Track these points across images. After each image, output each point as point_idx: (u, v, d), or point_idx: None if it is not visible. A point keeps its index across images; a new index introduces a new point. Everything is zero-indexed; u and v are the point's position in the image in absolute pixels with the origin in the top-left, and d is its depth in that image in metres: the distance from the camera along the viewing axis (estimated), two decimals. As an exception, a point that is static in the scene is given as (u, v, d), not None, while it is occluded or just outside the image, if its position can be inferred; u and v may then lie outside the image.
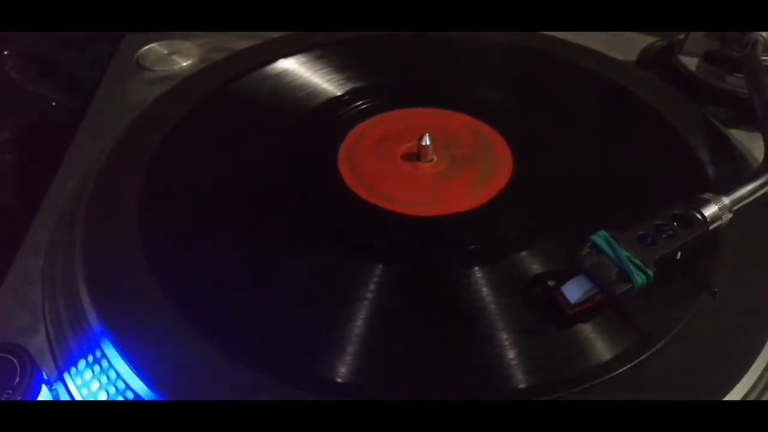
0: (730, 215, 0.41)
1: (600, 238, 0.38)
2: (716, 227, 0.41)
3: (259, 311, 0.41)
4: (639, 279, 0.37)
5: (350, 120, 0.55)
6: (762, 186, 0.43)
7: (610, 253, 0.38)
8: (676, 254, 0.40)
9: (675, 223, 0.40)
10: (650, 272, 0.37)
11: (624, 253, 0.38)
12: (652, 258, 0.38)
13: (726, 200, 0.41)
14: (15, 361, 0.34)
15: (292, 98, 0.58)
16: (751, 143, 0.54)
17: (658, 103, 0.56)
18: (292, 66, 0.61)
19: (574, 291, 0.38)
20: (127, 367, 0.37)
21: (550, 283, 0.40)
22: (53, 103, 0.67)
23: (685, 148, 0.52)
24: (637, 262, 0.37)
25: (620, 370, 0.37)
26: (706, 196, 0.41)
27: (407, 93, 0.58)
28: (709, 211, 0.41)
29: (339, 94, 0.58)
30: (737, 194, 0.42)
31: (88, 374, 0.39)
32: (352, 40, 0.63)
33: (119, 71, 0.65)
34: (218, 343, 0.38)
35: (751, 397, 0.37)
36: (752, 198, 0.42)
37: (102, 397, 0.38)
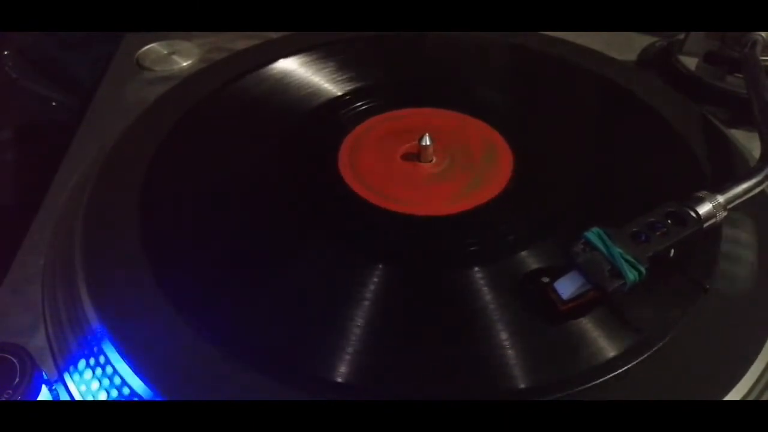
0: (724, 213, 0.41)
1: (593, 234, 0.38)
2: (710, 225, 0.41)
3: (259, 311, 0.41)
4: (631, 275, 0.37)
5: (350, 120, 0.55)
6: (757, 184, 0.43)
7: (603, 249, 0.38)
8: (670, 252, 0.39)
9: (669, 221, 0.40)
10: (642, 269, 0.37)
11: (616, 250, 0.37)
12: (644, 255, 0.38)
13: (720, 198, 0.41)
14: (15, 361, 0.34)
15: (292, 98, 0.58)
16: (750, 143, 0.54)
17: (658, 103, 0.56)
18: (292, 66, 0.61)
19: (566, 287, 0.38)
20: (127, 367, 0.37)
21: (544, 279, 0.40)
22: (53, 103, 0.67)
23: (685, 149, 0.52)
24: (629, 258, 0.37)
25: (620, 371, 0.37)
26: (701, 194, 0.41)
27: (407, 93, 0.58)
28: (704, 209, 0.40)
29: (339, 94, 0.58)
30: (732, 192, 0.42)
31: (88, 374, 0.39)
32: (352, 40, 0.63)
33: (119, 71, 0.65)
34: (218, 342, 0.38)
35: (751, 397, 0.37)
36: (747, 196, 0.42)
37: (102, 397, 0.38)
